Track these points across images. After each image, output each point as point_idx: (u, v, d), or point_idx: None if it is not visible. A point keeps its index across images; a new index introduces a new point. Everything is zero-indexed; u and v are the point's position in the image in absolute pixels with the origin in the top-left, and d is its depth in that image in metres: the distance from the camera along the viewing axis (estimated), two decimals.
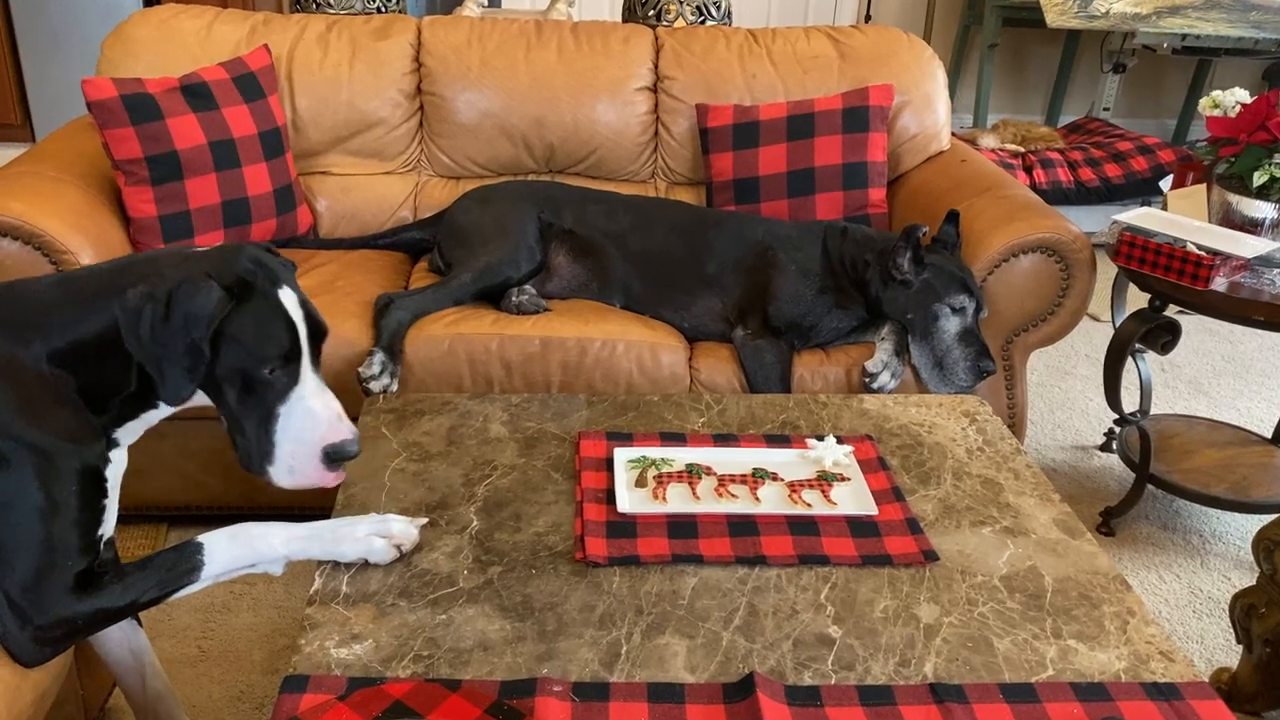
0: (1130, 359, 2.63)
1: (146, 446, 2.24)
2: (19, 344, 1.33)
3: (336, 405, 1.42)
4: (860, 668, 1.33)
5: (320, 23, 2.70)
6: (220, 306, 1.32)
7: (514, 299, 2.29)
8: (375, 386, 2.09)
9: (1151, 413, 2.83)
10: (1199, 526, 2.57)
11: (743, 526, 1.57)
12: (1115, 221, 2.36)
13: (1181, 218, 2.38)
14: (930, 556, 1.53)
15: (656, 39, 2.78)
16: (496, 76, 2.66)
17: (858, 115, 2.62)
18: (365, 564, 1.46)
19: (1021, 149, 4.33)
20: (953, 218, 2.40)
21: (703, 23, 3.03)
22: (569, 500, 1.63)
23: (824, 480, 1.69)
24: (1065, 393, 3.20)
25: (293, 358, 1.38)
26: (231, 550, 1.41)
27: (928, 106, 2.78)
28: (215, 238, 2.40)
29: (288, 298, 1.38)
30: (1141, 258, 2.28)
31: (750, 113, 2.65)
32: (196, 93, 2.37)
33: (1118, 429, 2.75)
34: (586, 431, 1.80)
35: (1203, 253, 2.19)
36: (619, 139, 2.72)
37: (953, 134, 4.60)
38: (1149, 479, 2.51)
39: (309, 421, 1.39)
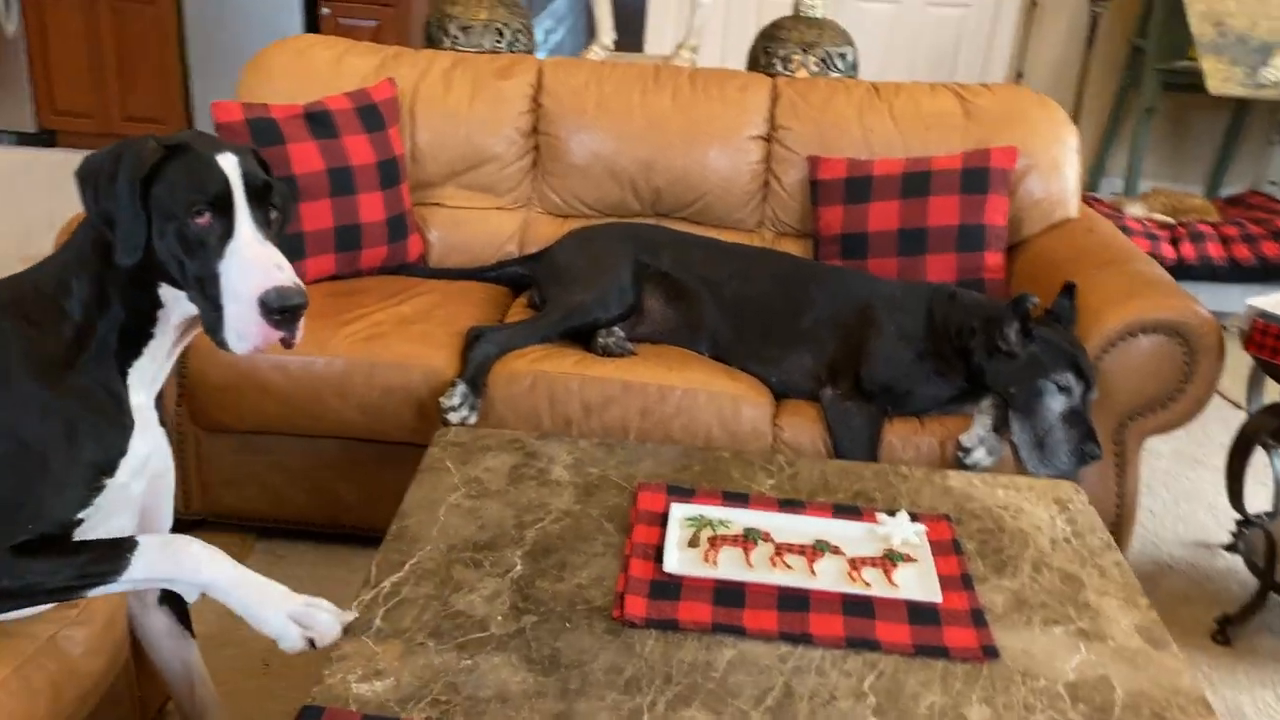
0: (1266, 454, 2.43)
1: (239, 460, 2.33)
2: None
3: (277, 256, 1.35)
4: None
5: (447, 59, 2.77)
6: (151, 154, 1.34)
7: (601, 340, 2.28)
8: (453, 418, 2.11)
9: None
10: None
11: (793, 600, 1.50)
12: (1250, 305, 2.19)
13: None
14: (990, 653, 1.42)
15: (775, 88, 2.74)
16: (610, 119, 2.68)
17: (977, 176, 2.52)
18: (401, 599, 1.46)
19: (1171, 220, 4.09)
20: (1068, 290, 2.26)
21: (826, 74, 2.98)
22: (618, 553, 1.59)
23: (889, 559, 1.60)
24: (1194, 483, 2.98)
25: (222, 207, 1.34)
26: (158, 560, 1.36)
27: (1055, 171, 2.65)
28: (326, 261, 2.47)
29: (224, 158, 1.36)
30: (1275, 347, 2.10)
31: (864, 167, 2.58)
32: (319, 120, 2.46)
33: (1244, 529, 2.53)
34: (647, 483, 1.76)
35: None
36: (727, 186, 2.69)
37: (1098, 201, 4.41)
38: (1273, 587, 2.29)
39: (244, 273, 1.33)
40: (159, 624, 1.67)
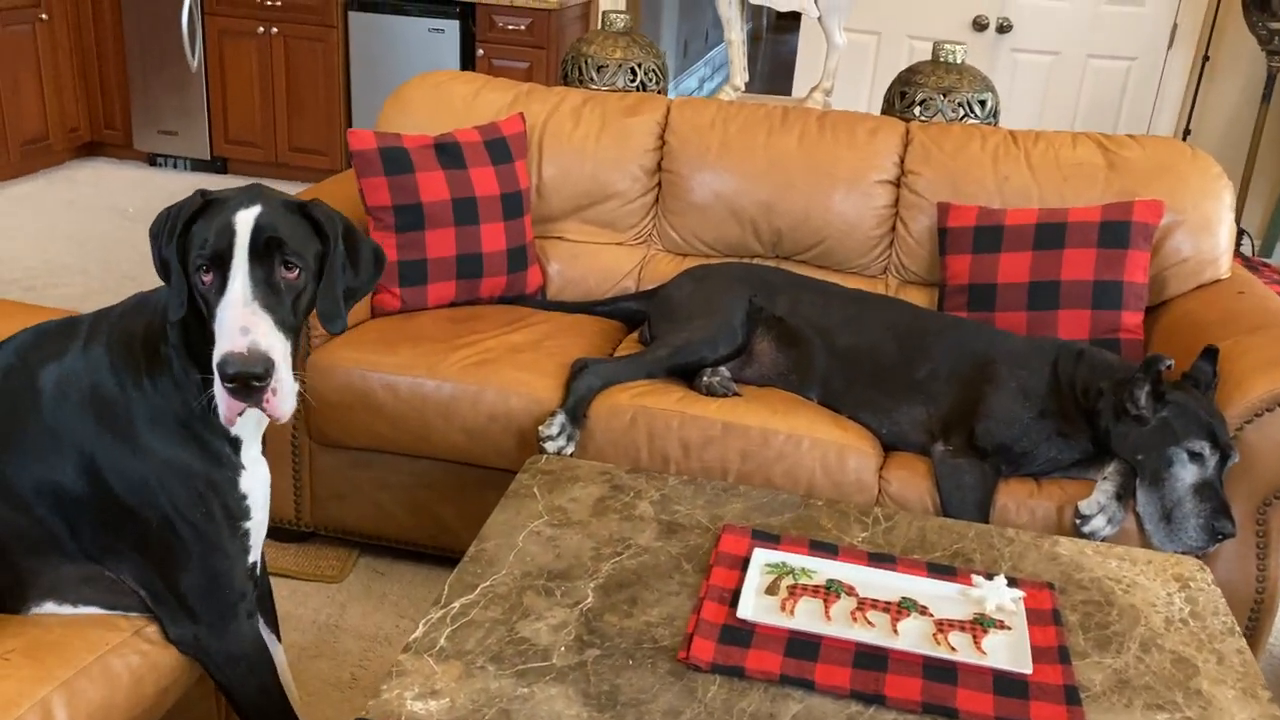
0: None
1: (349, 475, 2.39)
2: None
3: (248, 319, 1.28)
4: None
5: (578, 96, 2.82)
6: (188, 209, 1.34)
7: (705, 379, 2.25)
8: (550, 447, 2.11)
9: None
10: None
11: (870, 659, 1.43)
12: None
13: None
14: None
15: (907, 133, 2.68)
16: (733, 158, 2.66)
17: (1116, 230, 2.38)
18: (469, 620, 1.46)
19: None
20: (1209, 354, 2.11)
21: (962, 120, 2.89)
22: (692, 594, 1.55)
23: (979, 625, 1.51)
24: None
25: (221, 263, 1.30)
26: None
27: (1206, 228, 2.48)
28: (448, 287, 2.53)
29: (244, 213, 1.32)
30: None
31: (995, 215, 2.48)
32: (448, 151, 2.53)
33: None
34: (733, 525, 1.72)
35: None
36: (851, 230, 2.63)
37: (1268, 267, 4.12)
38: None
39: (217, 335, 1.29)
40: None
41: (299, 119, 5.24)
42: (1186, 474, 1.96)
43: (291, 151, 5.28)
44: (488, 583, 1.54)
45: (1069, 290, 2.39)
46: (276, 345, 1.30)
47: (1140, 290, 2.39)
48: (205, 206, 1.36)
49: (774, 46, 10.12)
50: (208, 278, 1.32)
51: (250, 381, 1.27)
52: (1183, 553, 1.95)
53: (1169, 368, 2.01)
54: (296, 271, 1.36)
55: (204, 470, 1.42)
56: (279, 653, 1.73)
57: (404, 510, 2.37)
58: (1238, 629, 1.56)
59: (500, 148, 2.61)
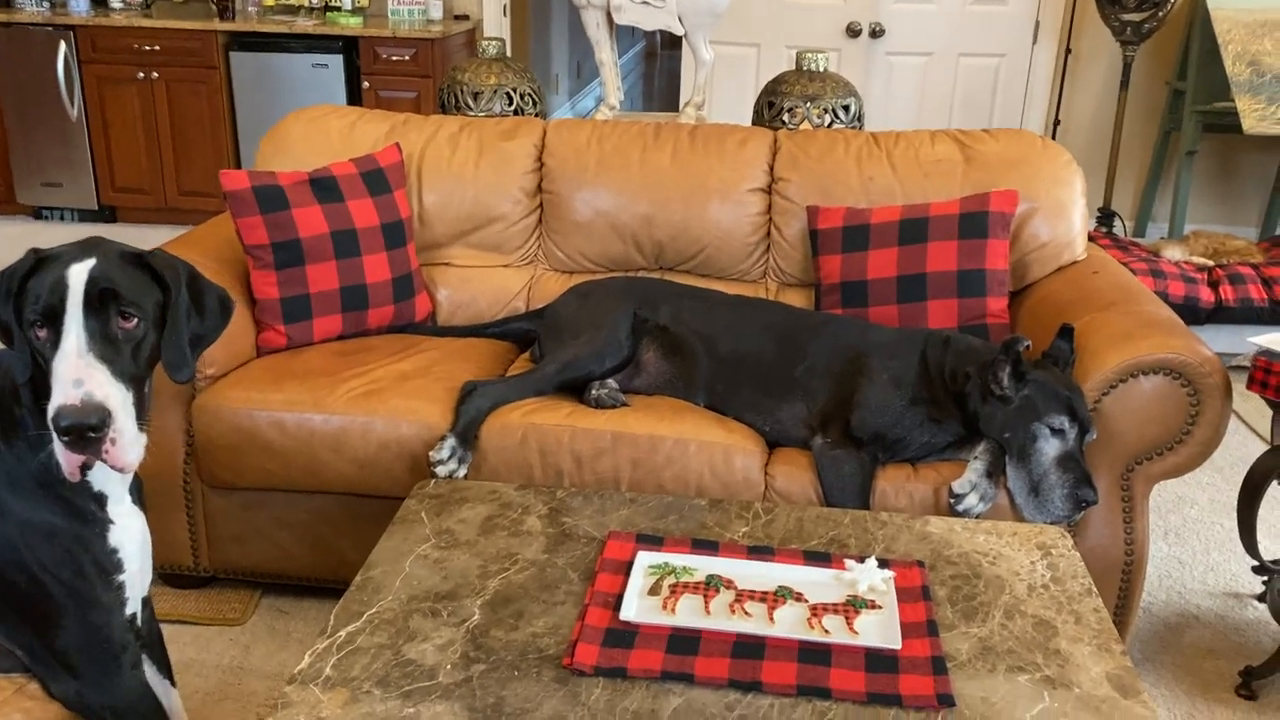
0: None
1: (244, 516, 2.38)
2: None
3: (81, 370, 1.28)
4: None
5: (454, 124, 2.86)
6: (20, 267, 1.34)
7: (593, 392, 2.30)
8: (441, 471, 2.13)
9: None
10: None
11: (748, 648, 1.48)
12: (1252, 343, 2.12)
13: None
14: (945, 701, 1.39)
15: (775, 141, 2.77)
16: (610, 176, 2.72)
17: (976, 221, 2.50)
18: (355, 648, 1.48)
19: (1209, 263, 3.99)
20: (1065, 332, 2.22)
21: (829, 125, 2.99)
22: (578, 602, 1.59)
23: (851, 606, 1.57)
24: (1227, 531, 2.87)
25: (52, 317, 1.30)
26: None
27: (1060, 214, 2.61)
28: (333, 321, 2.54)
29: (78, 266, 1.32)
30: (1278, 385, 2.03)
31: (861, 215, 2.58)
32: (324, 185, 2.54)
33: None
34: (618, 532, 1.76)
35: None
36: (728, 239, 2.71)
37: (1136, 245, 4.32)
38: None
39: (53, 389, 1.29)
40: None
41: (187, 162, 5.17)
42: (1049, 448, 2.06)
43: (181, 195, 5.21)
44: (374, 609, 1.56)
45: (935, 281, 2.49)
46: (114, 395, 1.31)
47: (1002, 276, 2.51)
48: (39, 264, 1.36)
49: (670, 63, 10.26)
50: (42, 333, 1.33)
51: (85, 433, 1.27)
52: (1052, 523, 2.05)
53: (1027, 348, 2.12)
54: (135, 321, 1.37)
55: (69, 528, 1.42)
56: (173, 699, 1.72)
57: (303, 547, 2.37)
58: (1094, 590, 1.66)
59: (378, 179, 2.63)
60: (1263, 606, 2.52)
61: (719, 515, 1.85)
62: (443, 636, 1.51)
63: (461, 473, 2.16)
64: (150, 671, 1.70)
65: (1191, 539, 2.84)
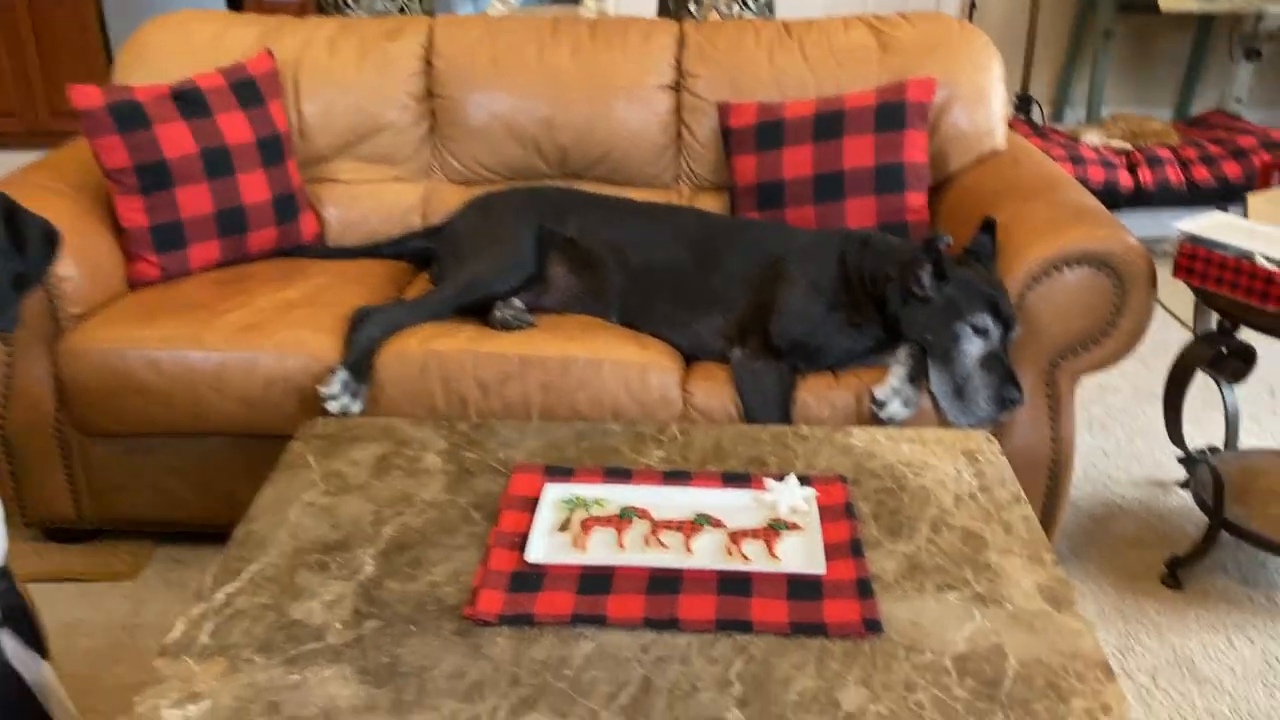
0: (1216, 385, 2.31)
1: (128, 464, 2.21)
2: None
3: None
4: None
5: (331, 25, 2.63)
6: None
7: (498, 313, 2.15)
8: (334, 407, 1.99)
9: (1243, 446, 2.48)
10: None
11: (664, 582, 1.38)
12: (1177, 229, 2.05)
13: (1261, 225, 2.05)
14: (872, 627, 1.31)
15: (681, 34, 2.59)
16: (506, 76, 2.53)
17: (892, 112, 2.37)
18: (234, 611, 1.35)
19: (1128, 146, 3.94)
20: (988, 226, 2.13)
21: (737, 16, 2.82)
22: (481, 545, 1.47)
23: (772, 530, 1.48)
24: (1151, 419, 2.85)
25: None
26: None
27: (980, 101, 2.50)
28: (210, 248, 2.34)
29: None
30: (1204, 272, 1.97)
31: (774, 111, 2.44)
32: (189, 99, 2.32)
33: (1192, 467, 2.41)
34: (525, 464, 1.64)
35: (1275, 267, 1.87)
36: (636, 140, 2.55)
37: (1055, 131, 4.25)
38: (1223, 525, 2.18)
39: None
40: (5, 646, 1.56)
41: (56, 81, 4.79)
42: (973, 348, 1.98)
43: (54, 117, 4.84)
44: (256, 566, 1.43)
45: (852, 178, 2.37)
46: None
47: (921, 170, 2.40)
48: None
49: None
50: None
51: None
52: (977, 425, 1.98)
53: (948, 245, 2.02)
54: None
55: None
56: (42, 672, 1.57)
57: (195, 493, 2.21)
58: (1023, 496, 1.59)
59: (249, 89, 2.40)
60: (1187, 493, 2.51)
61: (633, 440, 1.74)
62: (332, 592, 1.38)
63: (356, 408, 2.01)
64: (12, 646, 1.55)
65: (1115, 428, 2.82)
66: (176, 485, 2.21)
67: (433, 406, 2.07)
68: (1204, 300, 2.06)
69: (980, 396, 1.96)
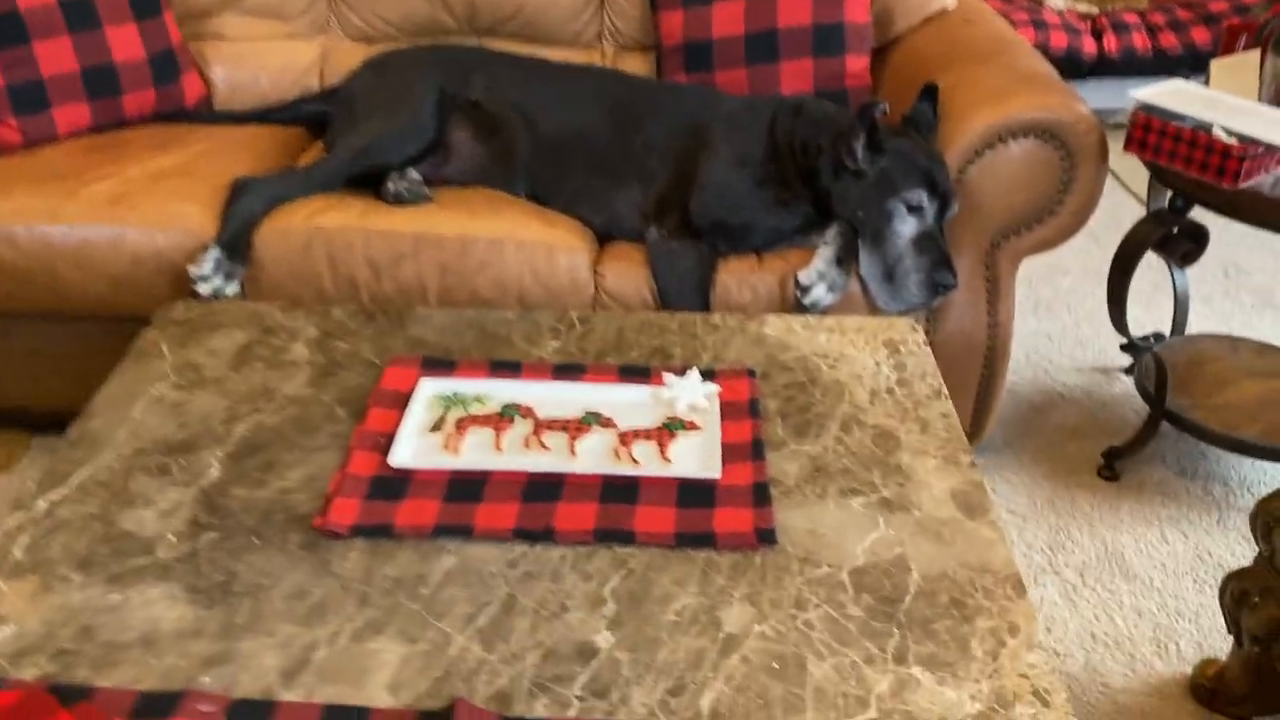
0: (1167, 267, 2.19)
1: None
2: None
3: None
4: (617, 694, 1.01)
5: None
6: None
7: (391, 185, 1.96)
8: (205, 290, 1.81)
9: (1189, 332, 2.37)
10: (1226, 474, 2.14)
11: (543, 489, 1.25)
12: (1132, 97, 1.89)
13: (1222, 94, 1.88)
14: (765, 537, 1.18)
15: None
16: None
17: None
18: (57, 522, 1.20)
19: (1094, 10, 3.72)
20: (929, 93, 1.95)
21: None
22: (343, 447, 1.33)
23: (667, 430, 1.35)
24: (1101, 302, 2.71)
25: None
26: None
27: None
28: (79, 111, 2.12)
29: None
30: (1158, 145, 1.81)
31: None
32: None
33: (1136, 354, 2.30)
34: (402, 356, 1.49)
35: (1233, 140, 1.72)
36: None
37: None
38: (1164, 415, 2.08)
39: None
40: None
41: None
42: (906, 228, 1.83)
43: None
44: (87, 470, 1.28)
45: (788, 38, 2.17)
46: None
47: (863, 31, 2.19)
48: None
49: None
50: None
51: None
52: (907, 311, 1.85)
53: (884, 113, 1.84)
54: None
55: None
56: None
57: (65, 379, 2.03)
58: (944, 391, 1.46)
59: None
60: (1129, 380, 2.41)
61: (528, 329, 1.58)
62: (169, 500, 1.24)
63: (230, 290, 1.84)
64: None
65: (1061, 312, 2.70)
66: (44, 372, 2.05)
67: (319, 289, 1.90)
68: (1156, 176, 1.92)
69: (911, 281, 1.82)
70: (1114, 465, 2.12)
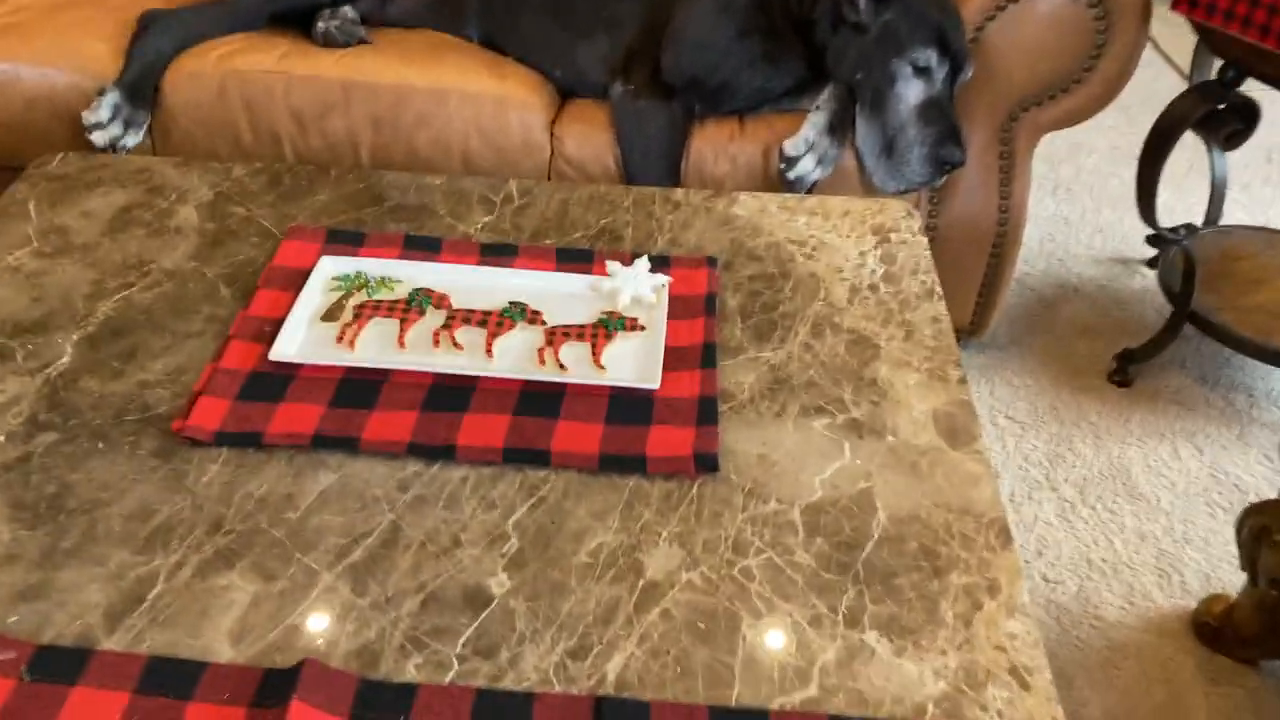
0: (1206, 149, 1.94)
1: None
2: None
3: None
4: (506, 654, 0.84)
5: None
6: None
7: (322, 24, 1.71)
8: (100, 139, 1.59)
9: (1223, 223, 2.13)
10: (1251, 384, 1.94)
11: (449, 396, 1.05)
12: None
13: None
14: (705, 464, 0.99)
15: None
16: None
17: None
18: None
19: None
20: None
21: None
22: (222, 333, 1.13)
23: (604, 329, 1.14)
24: (1126, 183, 2.47)
25: None
26: None
27: None
28: None
29: None
30: (1211, 3, 1.54)
31: None
32: None
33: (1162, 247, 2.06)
34: (302, 227, 1.27)
35: None
36: None
37: None
38: (1188, 316, 1.86)
39: None
40: None
41: None
42: (910, 92, 1.58)
43: None
44: None
45: None
46: None
47: None
48: None
49: None
50: None
51: None
52: (907, 190, 1.62)
53: None
54: None
55: None
56: None
57: None
58: (938, 291, 1.25)
59: None
60: (1151, 274, 2.19)
61: (456, 199, 1.36)
62: (7, 392, 1.05)
63: (130, 141, 1.61)
64: None
65: (1083, 194, 2.45)
66: None
67: (237, 143, 1.67)
68: (1205, 41, 1.65)
69: (913, 155, 1.58)
70: (1127, 369, 1.92)
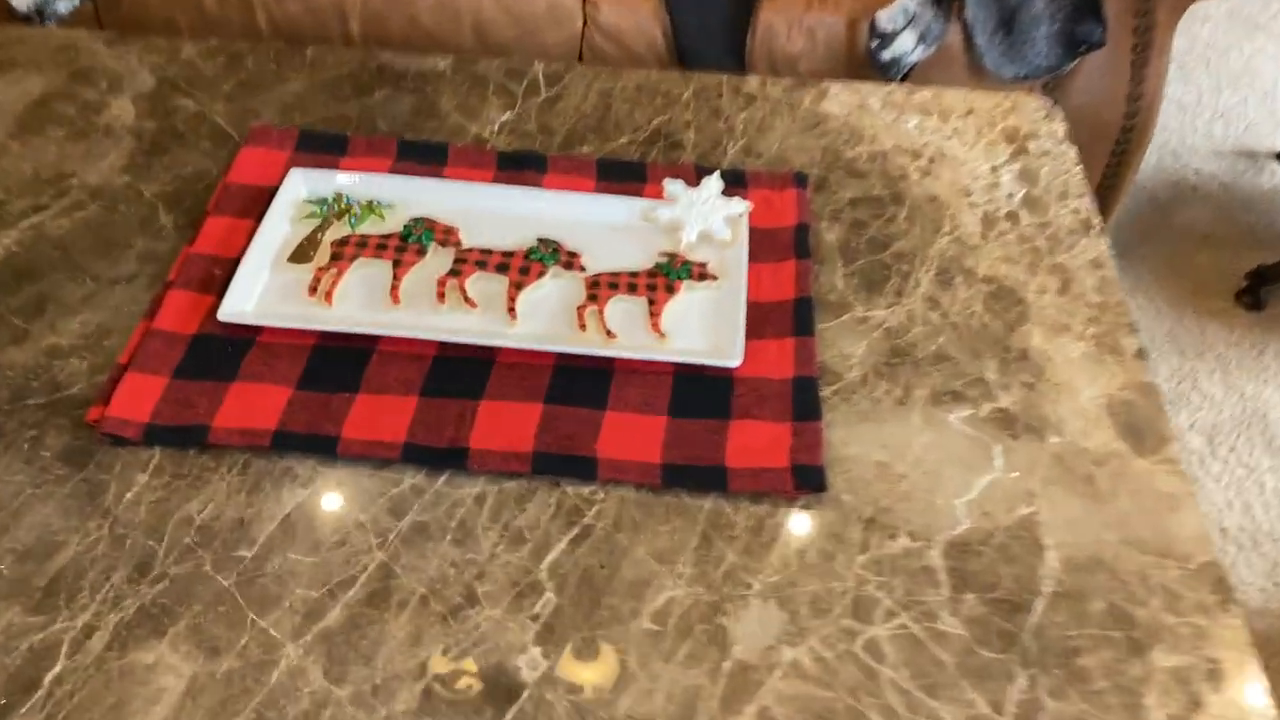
0: None
1: None
2: None
3: None
4: None
5: None
6: None
7: None
8: (20, 2, 1.27)
9: None
10: None
11: (458, 374, 0.79)
12: None
13: None
14: (808, 480, 0.73)
15: None
16: None
17: None
18: None
19: None
20: None
21: None
22: (159, 279, 0.85)
23: (664, 277, 0.86)
24: (1248, 60, 2.12)
25: None
26: None
27: None
28: None
29: None
30: None
31: None
32: None
33: None
34: (268, 127, 0.98)
35: None
36: None
37: None
38: None
39: None
40: None
41: None
42: None
43: None
44: None
45: None
46: None
47: None
48: None
49: None
50: None
51: None
52: (1028, 79, 1.30)
53: None
54: None
55: None
56: None
57: None
58: (1098, 221, 0.96)
59: None
60: None
61: (466, 89, 1.06)
62: None
63: (62, 7, 1.29)
64: None
65: (1198, 72, 2.10)
66: None
67: (200, 11, 1.35)
68: None
69: (1039, 33, 1.25)
70: (1259, 291, 1.63)
